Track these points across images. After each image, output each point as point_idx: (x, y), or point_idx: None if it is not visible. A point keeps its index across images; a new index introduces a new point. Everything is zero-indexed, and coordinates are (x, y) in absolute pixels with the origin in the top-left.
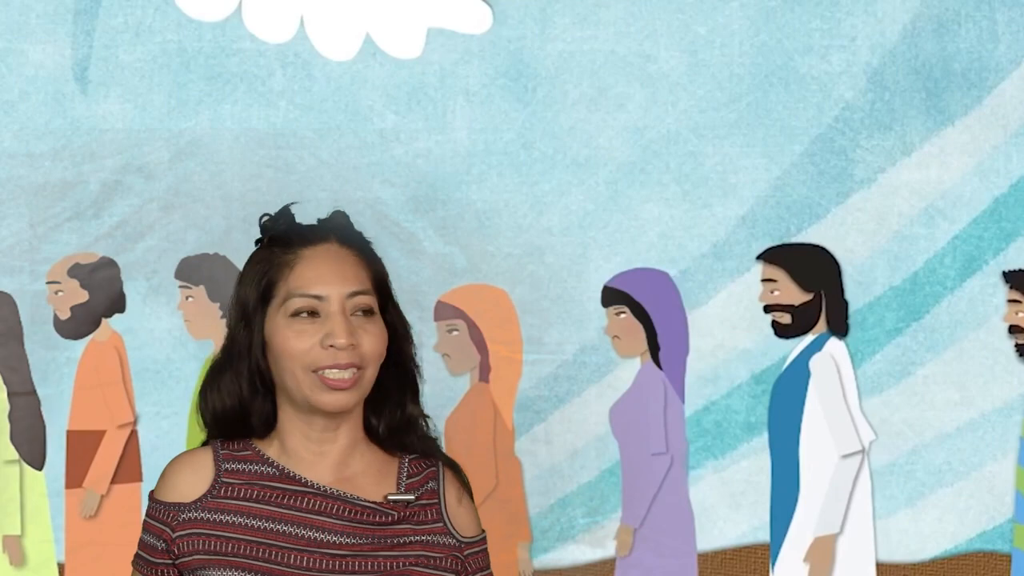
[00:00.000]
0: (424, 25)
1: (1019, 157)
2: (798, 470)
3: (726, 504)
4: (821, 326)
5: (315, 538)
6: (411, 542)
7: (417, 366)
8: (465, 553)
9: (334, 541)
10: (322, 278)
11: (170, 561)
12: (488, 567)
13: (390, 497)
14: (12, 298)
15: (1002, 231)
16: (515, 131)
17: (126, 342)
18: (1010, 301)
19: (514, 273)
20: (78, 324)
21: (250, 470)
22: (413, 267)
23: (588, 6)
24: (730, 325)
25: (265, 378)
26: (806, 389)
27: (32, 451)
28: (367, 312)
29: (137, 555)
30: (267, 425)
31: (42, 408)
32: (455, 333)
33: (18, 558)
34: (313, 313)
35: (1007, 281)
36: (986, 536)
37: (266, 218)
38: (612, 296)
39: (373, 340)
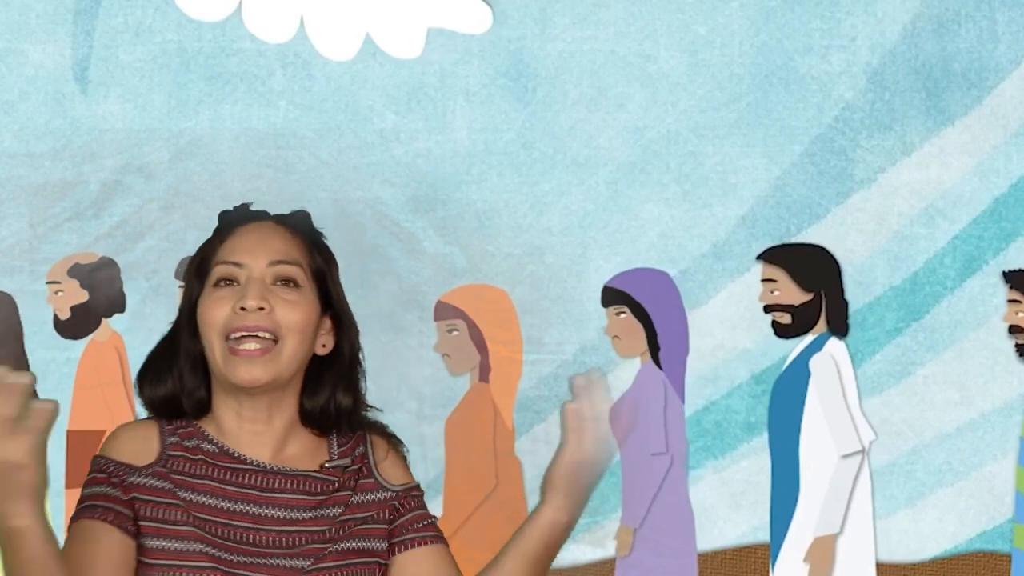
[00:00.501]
0: (424, 25)
1: (1019, 157)
2: (798, 470)
3: (726, 504)
4: (821, 326)
5: (261, 514)
6: (354, 503)
7: (361, 364)
8: (400, 500)
9: (276, 516)
10: (245, 247)
11: (133, 513)
12: (425, 509)
13: (326, 464)
14: (12, 298)
15: (1002, 231)
16: (515, 131)
17: (126, 342)
18: (1010, 301)
19: (514, 273)
20: (78, 324)
21: (192, 446)
22: (413, 267)
23: (588, 6)
24: (730, 325)
25: (197, 362)
26: (806, 389)
27: None
28: (290, 283)
29: (94, 505)
30: (201, 408)
31: None
32: (455, 333)
33: None
34: (233, 281)
35: (1007, 281)
36: (986, 536)
37: (222, 212)
38: (612, 296)
39: (290, 308)
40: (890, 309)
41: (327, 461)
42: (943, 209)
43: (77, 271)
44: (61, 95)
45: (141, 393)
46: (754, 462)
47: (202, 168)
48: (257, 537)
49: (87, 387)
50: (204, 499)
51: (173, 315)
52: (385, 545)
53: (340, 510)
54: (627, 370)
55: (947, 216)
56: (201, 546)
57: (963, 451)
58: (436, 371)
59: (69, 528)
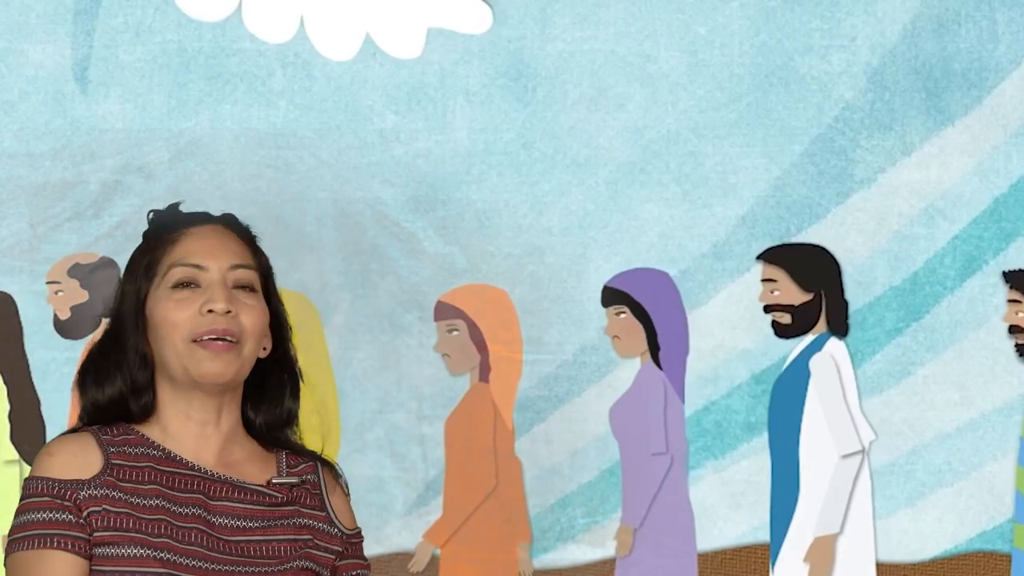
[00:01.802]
0: (424, 25)
1: (1019, 157)
2: (798, 470)
3: (726, 504)
4: (821, 326)
5: (209, 519)
6: (302, 526)
7: (296, 365)
8: (347, 544)
9: (224, 524)
10: (204, 250)
11: (86, 535)
12: (364, 560)
13: (274, 480)
14: (12, 298)
15: (1002, 231)
16: (515, 131)
17: None
18: (1010, 301)
19: (514, 273)
20: (78, 324)
21: (137, 452)
22: (413, 267)
23: (588, 6)
24: (730, 325)
25: (146, 361)
26: (806, 389)
27: (32, 451)
28: (248, 288)
29: (47, 535)
30: (145, 411)
31: (42, 408)
32: (455, 333)
33: None
34: (193, 284)
35: (1007, 281)
36: (986, 536)
37: (153, 213)
38: (612, 296)
39: (252, 313)
40: (890, 309)
41: (275, 477)
42: (943, 209)
43: (77, 271)
44: (61, 95)
45: (84, 395)
46: (754, 462)
47: (202, 168)
48: (210, 542)
49: None
50: (157, 502)
51: None
52: (326, 574)
53: (289, 525)
54: (627, 370)
55: (947, 216)
56: (153, 551)
57: (963, 451)
58: (436, 371)
59: (8, 560)
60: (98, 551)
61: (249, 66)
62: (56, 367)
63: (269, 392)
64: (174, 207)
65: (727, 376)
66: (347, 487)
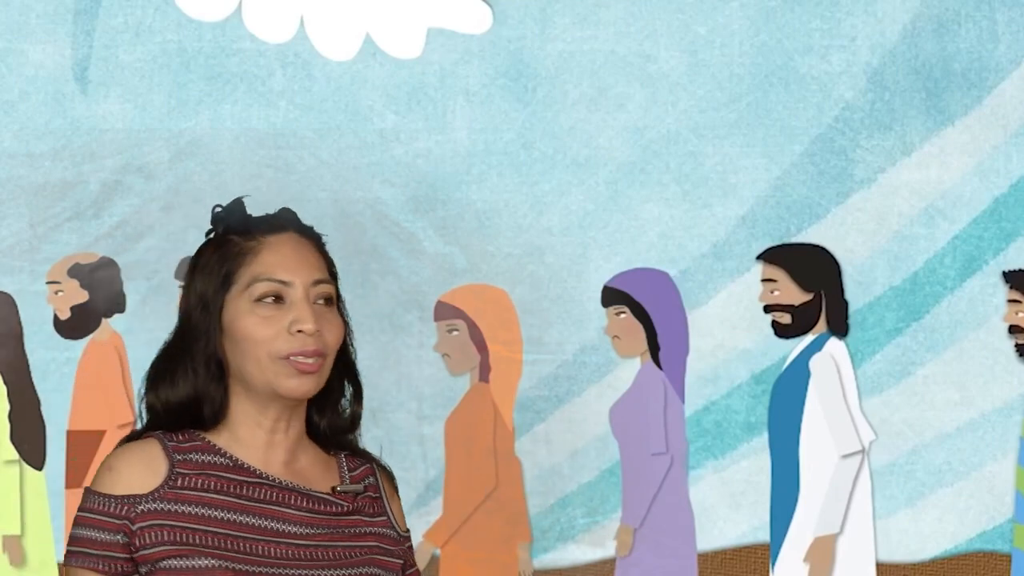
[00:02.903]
0: (424, 25)
1: (1019, 157)
2: (798, 470)
3: (726, 504)
4: (821, 326)
5: (277, 528)
6: (366, 533)
7: (356, 368)
8: (404, 547)
9: (292, 531)
10: (287, 264)
11: (128, 556)
12: (414, 563)
13: (339, 488)
14: (12, 298)
15: (1002, 231)
16: (515, 131)
17: (126, 342)
18: (1010, 301)
19: (514, 273)
20: (78, 324)
21: (203, 460)
22: (413, 267)
23: (588, 6)
24: (730, 325)
25: (220, 366)
26: (806, 389)
27: (32, 451)
28: (328, 301)
29: (82, 553)
30: (216, 415)
31: (42, 408)
32: (455, 333)
33: (18, 558)
34: (278, 299)
35: (1007, 281)
36: (986, 536)
37: (219, 209)
38: (612, 296)
39: (334, 329)
40: (890, 309)
41: (339, 485)
42: (943, 209)
43: (77, 271)
44: (61, 95)
45: (155, 395)
46: (754, 462)
47: (202, 168)
48: (276, 550)
49: (87, 387)
50: (219, 514)
51: (173, 315)
52: None
53: (351, 532)
54: (627, 370)
55: (947, 216)
56: (218, 562)
57: (963, 451)
58: (436, 371)
59: (64, 571)
60: (163, 564)
61: (249, 66)
62: (56, 367)
63: (333, 396)
64: (239, 203)
65: (727, 376)
66: (397, 488)
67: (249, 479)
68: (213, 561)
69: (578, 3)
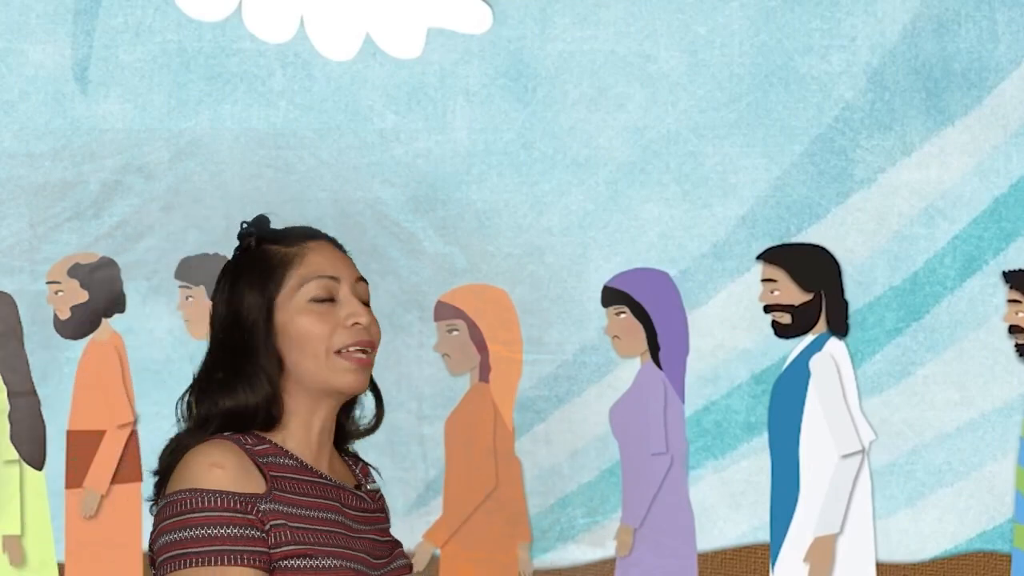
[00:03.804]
0: (424, 25)
1: (1019, 157)
2: (798, 470)
3: (726, 504)
4: (821, 326)
5: (351, 526)
6: (387, 529)
7: None
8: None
9: (360, 528)
10: (334, 263)
11: (267, 549)
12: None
13: (370, 487)
14: (12, 298)
15: (1002, 231)
16: (515, 131)
17: (126, 342)
18: (1010, 301)
19: (514, 273)
20: (78, 324)
21: (280, 463)
22: (413, 267)
23: (588, 6)
24: (730, 325)
25: (280, 369)
26: (806, 389)
27: (32, 451)
28: (367, 301)
29: (243, 552)
30: (274, 419)
31: (42, 408)
32: (455, 333)
33: (18, 558)
34: (330, 299)
35: (1007, 281)
36: (986, 536)
37: (246, 225)
38: (612, 296)
39: (377, 327)
40: (890, 309)
41: (368, 483)
42: (943, 209)
43: (77, 271)
44: (61, 95)
45: (213, 404)
46: (754, 462)
47: (202, 168)
48: (367, 547)
49: (87, 387)
50: (318, 514)
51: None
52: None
53: (382, 528)
54: (627, 370)
55: (947, 216)
56: (341, 561)
57: (963, 451)
58: (436, 371)
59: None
60: (285, 563)
61: (249, 66)
62: (56, 367)
63: (356, 401)
64: (264, 218)
65: (727, 376)
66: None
67: (315, 479)
68: (336, 561)
69: (578, 3)
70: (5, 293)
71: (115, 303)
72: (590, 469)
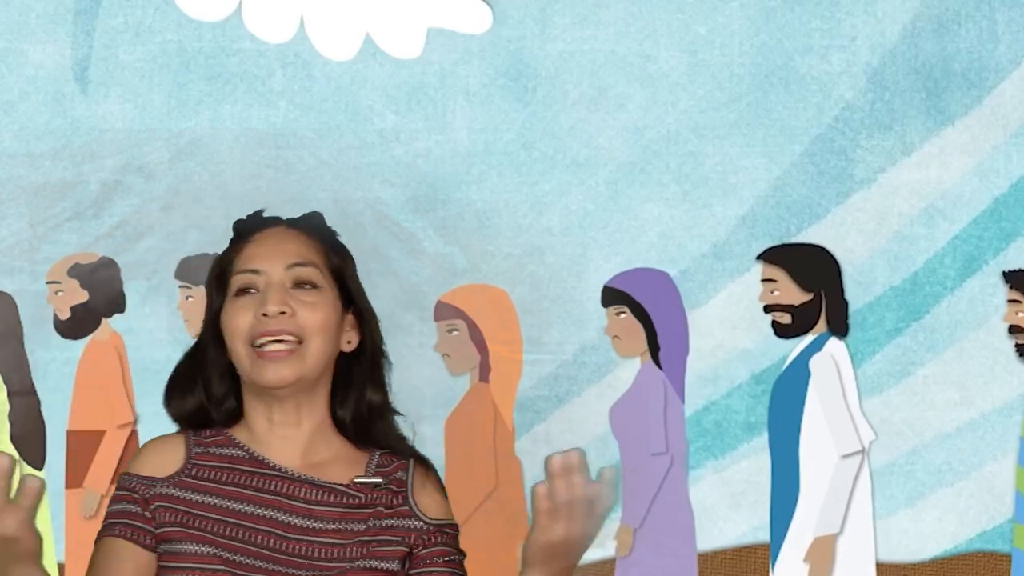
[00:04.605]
0: (424, 25)
1: (1019, 157)
2: (798, 470)
3: (726, 504)
4: (821, 326)
5: (280, 520)
6: (377, 527)
7: (385, 356)
8: (431, 533)
9: (298, 524)
10: (261, 254)
11: (152, 528)
12: (454, 549)
13: (357, 480)
14: (12, 298)
15: (1002, 231)
16: (515, 131)
17: (126, 342)
18: (1010, 301)
19: (514, 273)
20: (78, 324)
21: (220, 453)
22: (413, 267)
23: (588, 6)
24: (730, 325)
25: (227, 370)
26: (806, 389)
27: (32, 451)
28: (309, 285)
29: (114, 523)
30: (231, 417)
31: (42, 408)
32: (455, 333)
33: None
34: (252, 289)
35: (1007, 281)
36: (986, 536)
37: (237, 221)
38: (612, 296)
39: (311, 311)
40: (890, 309)
41: (358, 476)
42: (943, 209)
43: (77, 271)
44: (61, 95)
45: (168, 406)
46: (754, 462)
47: (202, 168)
48: (278, 543)
49: (87, 387)
50: (226, 503)
51: (173, 315)
52: (397, 567)
53: (363, 527)
54: (627, 370)
55: (947, 216)
56: (213, 549)
57: (963, 451)
58: (436, 371)
59: (95, 547)
60: (164, 547)
61: (249, 66)
62: (56, 367)
63: (352, 386)
64: (257, 214)
65: (727, 376)
66: (443, 486)
67: (262, 471)
68: (207, 548)
69: (578, 3)
70: (5, 293)
71: (115, 303)
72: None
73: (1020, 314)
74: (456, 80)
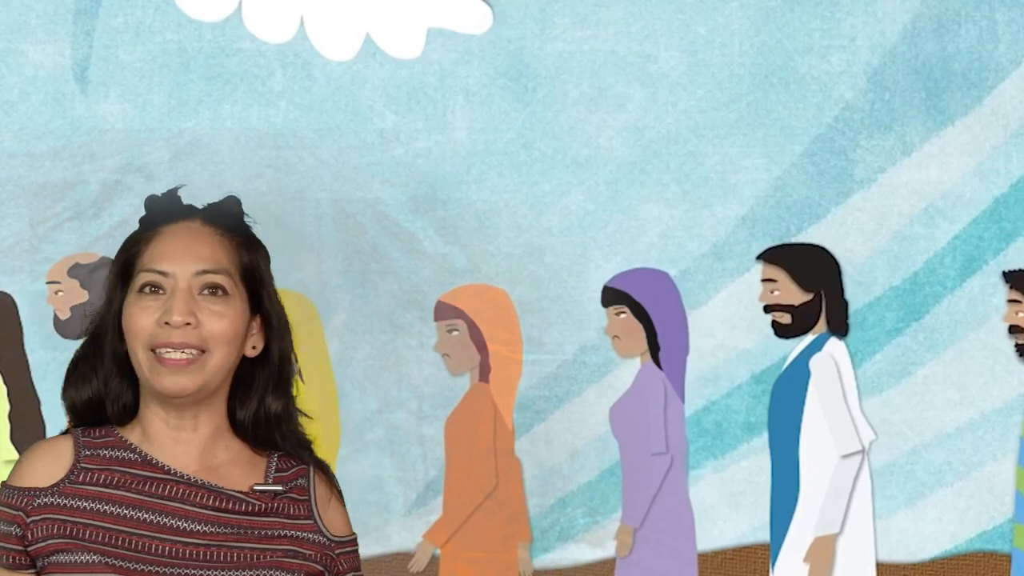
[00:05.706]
0: (424, 25)
1: (1019, 157)
2: (798, 470)
3: (726, 504)
4: (821, 326)
5: (175, 526)
6: (280, 535)
7: (292, 363)
8: (336, 552)
9: (195, 530)
10: (171, 254)
11: (23, 548)
12: (359, 569)
13: (256, 487)
14: (12, 298)
15: (1002, 231)
16: (515, 131)
17: None
18: (1010, 301)
19: (514, 273)
20: (78, 324)
21: (110, 456)
22: (413, 267)
23: (588, 6)
24: (730, 325)
25: (123, 364)
26: (806, 389)
27: None
28: (217, 291)
29: None
30: (127, 413)
31: (42, 408)
32: (455, 333)
33: None
34: (159, 290)
35: (1007, 281)
36: (986, 536)
37: (149, 198)
38: (612, 296)
39: (217, 321)
40: (890, 309)
41: (258, 484)
42: (943, 209)
43: (77, 271)
44: (61, 95)
45: (67, 393)
46: (754, 462)
47: (202, 168)
48: (170, 549)
49: None
50: (116, 509)
51: None
52: None
53: (263, 534)
54: (627, 370)
55: (947, 216)
56: (100, 557)
57: (963, 451)
58: (436, 371)
59: None
60: (52, 559)
61: (249, 66)
62: (56, 367)
63: (252, 391)
64: (172, 194)
65: (727, 376)
66: (340, 493)
67: (156, 475)
68: (95, 557)
69: (578, 3)
70: (5, 293)
71: None
72: (590, 469)
73: (1020, 314)
74: (456, 80)
